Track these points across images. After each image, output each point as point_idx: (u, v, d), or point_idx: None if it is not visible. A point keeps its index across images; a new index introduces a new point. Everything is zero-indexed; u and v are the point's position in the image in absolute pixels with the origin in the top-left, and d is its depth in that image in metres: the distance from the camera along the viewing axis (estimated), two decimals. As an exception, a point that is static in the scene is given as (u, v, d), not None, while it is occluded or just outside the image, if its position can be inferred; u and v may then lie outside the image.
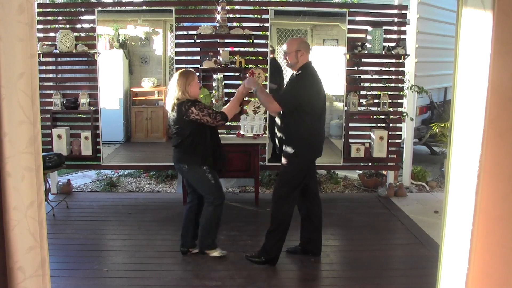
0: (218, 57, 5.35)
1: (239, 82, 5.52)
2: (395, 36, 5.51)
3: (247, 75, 5.36)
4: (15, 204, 1.59)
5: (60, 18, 5.55)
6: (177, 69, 5.45)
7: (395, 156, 5.63)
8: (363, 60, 5.57)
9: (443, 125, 5.68)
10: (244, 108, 5.41)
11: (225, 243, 4.01)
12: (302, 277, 3.60)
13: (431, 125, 6.12)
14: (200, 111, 3.53)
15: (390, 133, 5.47)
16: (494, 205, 1.71)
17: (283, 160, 3.60)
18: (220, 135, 5.24)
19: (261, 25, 5.54)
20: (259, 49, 5.70)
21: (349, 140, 5.58)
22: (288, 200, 3.58)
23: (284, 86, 4.09)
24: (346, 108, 5.52)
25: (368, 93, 5.55)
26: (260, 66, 5.46)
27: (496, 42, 1.62)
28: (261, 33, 5.48)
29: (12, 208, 1.58)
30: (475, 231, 1.72)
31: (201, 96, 4.85)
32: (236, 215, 4.88)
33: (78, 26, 5.48)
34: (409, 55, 5.49)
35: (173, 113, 3.62)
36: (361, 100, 5.55)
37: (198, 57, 5.52)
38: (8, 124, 1.56)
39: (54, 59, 5.52)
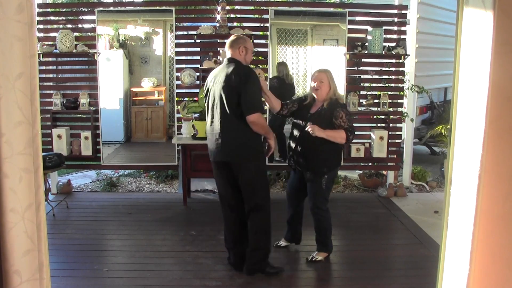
0: (218, 57, 5.34)
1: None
2: (395, 36, 5.51)
3: None
4: (12, 206, 1.57)
5: (60, 18, 5.54)
6: (177, 69, 5.48)
7: (395, 156, 5.63)
8: (363, 60, 5.56)
9: (448, 126, 5.67)
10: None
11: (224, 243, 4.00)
12: (302, 277, 3.59)
13: (436, 128, 6.11)
14: (348, 120, 3.49)
15: (390, 133, 5.47)
16: (495, 205, 1.70)
17: None
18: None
19: (261, 25, 5.54)
20: (259, 49, 5.69)
21: (349, 140, 5.57)
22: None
23: None
24: (346, 108, 5.52)
25: (368, 93, 5.54)
26: (260, 66, 5.45)
27: (497, 42, 1.62)
28: (261, 33, 5.48)
29: (9, 210, 1.56)
30: (476, 231, 1.72)
31: (200, 96, 4.84)
32: (236, 215, 4.87)
33: (78, 26, 5.48)
34: (409, 55, 5.49)
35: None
36: (361, 100, 5.54)
37: (198, 57, 5.51)
38: (6, 124, 1.54)
39: (54, 59, 5.51)
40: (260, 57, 5.60)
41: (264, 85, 3.69)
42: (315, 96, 3.60)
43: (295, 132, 3.63)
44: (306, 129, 3.45)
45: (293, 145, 3.63)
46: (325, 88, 3.50)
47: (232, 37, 3.41)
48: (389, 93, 5.52)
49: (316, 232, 3.70)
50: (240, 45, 3.33)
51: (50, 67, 5.66)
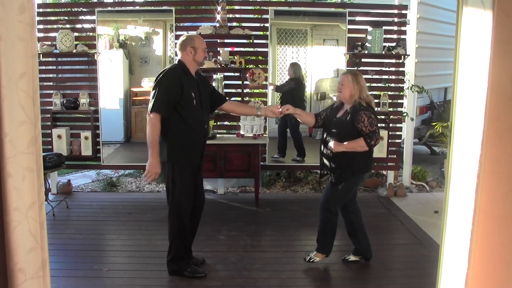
0: (218, 57, 5.35)
1: (239, 82, 5.52)
2: (395, 36, 5.51)
3: (247, 75, 5.37)
4: (16, 205, 1.58)
5: (60, 18, 5.55)
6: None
7: (395, 156, 5.63)
8: (363, 60, 5.56)
9: (445, 125, 5.68)
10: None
11: (225, 243, 4.01)
12: (302, 277, 3.60)
13: (433, 123, 6.12)
14: (370, 124, 3.36)
15: (390, 133, 5.47)
16: (494, 205, 1.71)
17: None
18: (220, 135, 5.32)
19: (261, 25, 5.55)
20: (259, 49, 5.70)
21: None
22: None
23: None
24: (346, 108, 5.52)
25: (368, 93, 5.54)
26: (260, 66, 5.46)
27: (496, 42, 1.63)
28: (261, 33, 5.48)
29: (13, 209, 1.58)
30: (475, 230, 1.72)
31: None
32: (236, 215, 4.88)
33: (78, 26, 5.48)
34: (409, 55, 5.49)
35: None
36: (361, 100, 5.54)
37: (198, 57, 5.51)
38: (9, 124, 1.55)
39: (54, 59, 5.52)
40: (260, 57, 5.61)
41: (297, 110, 3.69)
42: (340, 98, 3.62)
43: (324, 135, 3.62)
44: (328, 146, 3.45)
45: (322, 148, 3.64)
46: (346, 91, 3.46)
47: (180, 39, 3.36)
48: (389, 93, 5.53)
49: (319, 232, 3.67)
50: (187, 46, 3.27)
51: (50, 67, 5.66)
